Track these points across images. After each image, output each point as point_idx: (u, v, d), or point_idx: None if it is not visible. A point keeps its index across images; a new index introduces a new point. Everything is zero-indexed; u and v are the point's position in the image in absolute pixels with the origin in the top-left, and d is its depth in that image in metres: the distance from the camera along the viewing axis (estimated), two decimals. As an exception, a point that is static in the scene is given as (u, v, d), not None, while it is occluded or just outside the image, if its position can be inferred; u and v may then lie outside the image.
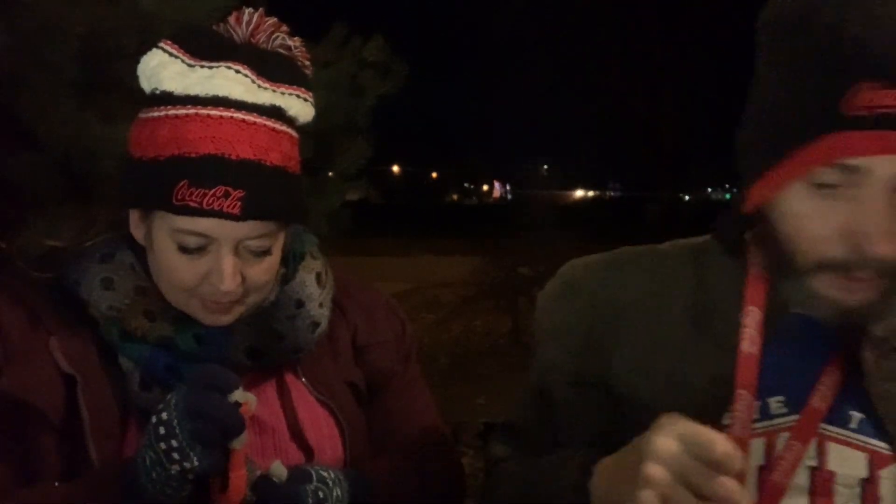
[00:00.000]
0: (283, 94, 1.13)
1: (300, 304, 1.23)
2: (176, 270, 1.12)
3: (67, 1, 2.23)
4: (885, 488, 0.99)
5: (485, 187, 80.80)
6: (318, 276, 1.26)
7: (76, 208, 1.28)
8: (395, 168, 69.25)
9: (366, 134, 3.39)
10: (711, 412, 1.02)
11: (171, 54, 1.11)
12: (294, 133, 1.16)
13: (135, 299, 1.15)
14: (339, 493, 1.13)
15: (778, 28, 0.98)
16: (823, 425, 1.01)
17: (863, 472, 1.00)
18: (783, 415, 1.02)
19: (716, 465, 0.82)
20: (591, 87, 22.36)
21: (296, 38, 1.18)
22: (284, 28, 1.17)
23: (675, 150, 22.30)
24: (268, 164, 1.10)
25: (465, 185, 79.26)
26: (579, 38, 20.05)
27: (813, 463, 1.01)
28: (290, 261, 1.25)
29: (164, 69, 1.11)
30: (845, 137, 0.90)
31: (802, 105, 0.94)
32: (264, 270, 1.15)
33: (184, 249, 1.10)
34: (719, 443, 0.82)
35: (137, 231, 1.16)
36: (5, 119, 2.19)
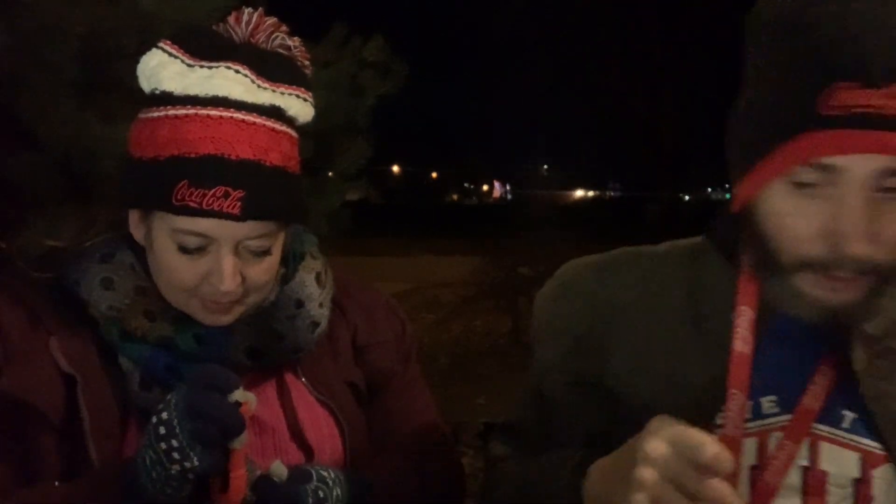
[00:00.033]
0: (282, 94, 1.13)
1: (300, 304, 1.23)
2: (176, 270, 1.12)
3: (67, 1, 2.23)
4: (877, 488, 1.00)
5: (485, 187, 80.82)
6: (318, 276, 1.26)
7: (76, 208, 1.27)
8: (395, 168, 69.28)
9: (366, 134, 3.40)
10: (707, 412, 1.02)
11: (170, 54, 1.11)
12: (294, 133, 1.16)
13: (135, 299, 1.15)
14: (339, 492, 1.13)
15: (763, 26, 0.99)
16: (816, 425, 1.01)
17: (855, 471, 1.00)
18: (775, 414, 1.03)
19: (705, 468, 0.82)
20: (591, 87, 22.37)
21: (295, 38, 1.18)
22: (284, 28, 1.17)
23: (675, 150, 22.31)
24: (267, 164, 1.10)
25: (465, 185, 79.28)
26: (579, 38, 20.06)
27: (805, 463, 1.01)
28: (290, 261, 1.25)
29: (163, 69, 1.11)
30: (821, 137, 0.91)
31: (783, 104, 0.94)
32: (264, 270, 1.15)
33: (184, 249, 1.10)
34: (709, 445, 0.82)
35: (137, 231, 1.16)
36: (5, 119, 2.19)
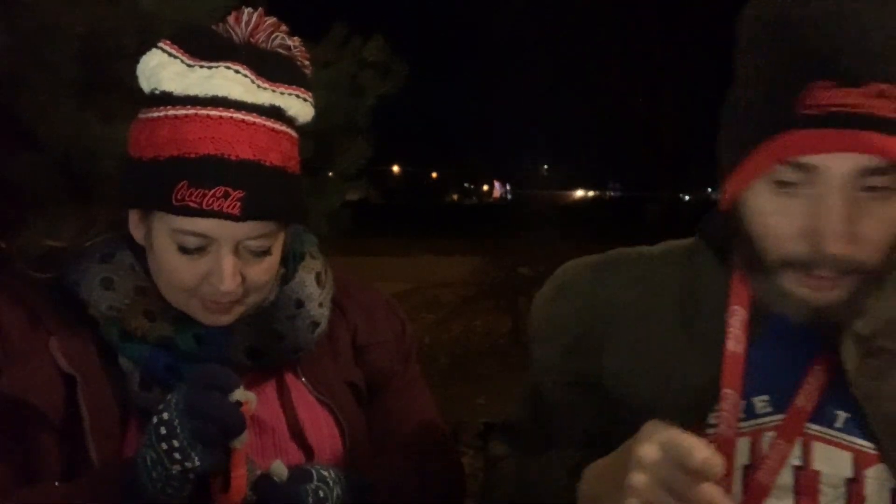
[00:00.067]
0: (282, 94, 1.13)
1: (300, 303, 1.23)
2: (176, 271, 1.12)
3: (67, 1, 2.23)
4: (870, 488, 0.99)
5: (485, 187, 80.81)
6: (318, 275, 1.26)
7: (76, 208, 1.28)
8: (395, 168, 69.27)
9: (366, 134, 3.40)
10: (701, 412, 1.03)
11: (170, 54, 1.11)
12: (294, 133, 1.16)
13: (135, 299, 1.15)
14: (339, 492, 1.13)
15: (748, 26, 0.99)
16: (809, 424, 1.01)
17: (848, 471, 1.00)
18: (768, 414, 1.03)
19: (696, 473, 0.82)
20: (591, 87, 22.35)
21: (295, 38, 1.18)
22: (284, 28, 1.17)
23: (675, 150, 22.29)
24: (267, 164, 1.10)
25: (465, 185, 79.26)
26: (579, 38, 20.05)
27: (798, 462, 1.01)
28: (290, 261, 1.25)
29: (163, 69, 1.11)
30: (799, 136, 0.91)
31: (765, 102, 0.95)
32: (264, 270, 1.15)
33: (184, 250, 1.10)
34: (698, 450, 0.83)
35: (137, 231, 1.16)
36: (5, 119, 2.19)
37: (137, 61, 1.14)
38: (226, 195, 1.07)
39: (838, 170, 0.91)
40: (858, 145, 0.89)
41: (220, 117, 1.08)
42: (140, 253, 1.17)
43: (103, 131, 2.20)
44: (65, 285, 1.16)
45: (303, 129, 1.19)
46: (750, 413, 1.03)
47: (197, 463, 1.01)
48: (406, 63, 3.46)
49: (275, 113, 1.12)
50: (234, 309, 1.16)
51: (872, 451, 1.00)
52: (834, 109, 0.89)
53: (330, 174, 3.31)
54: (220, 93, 1.09)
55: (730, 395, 1.01)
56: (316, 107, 1.19)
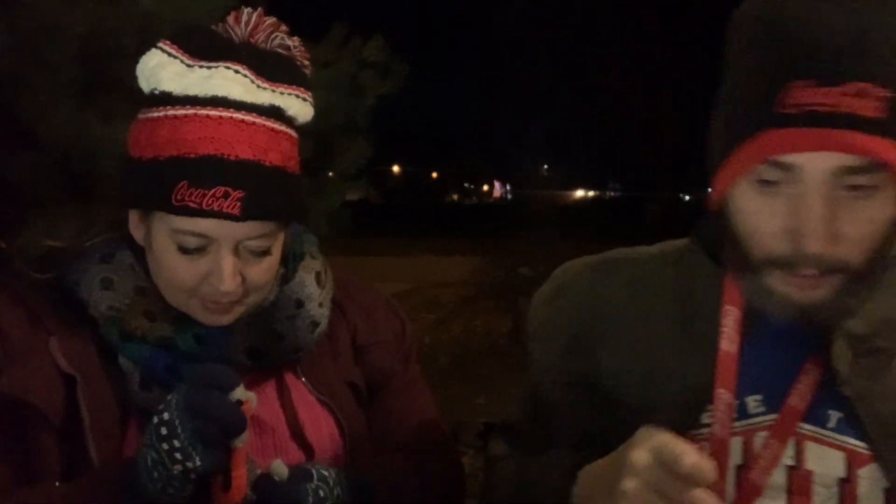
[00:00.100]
0: (282, 93, 1.13)
1: (300, 303, 1.23)
2: (176, 271, 1.12)
3: (67, 1, 2.23)
4: (862, 488, 0.99)
5: (485, 187, 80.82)
6: (318, 275, 1.26)
7: (76, 208, 1.27)
8: (395, 168, 69.28)
9: (366, 134, 3.40)
10: (696, 412, 1.03)
11: (169, 54, 1.11)
12: (293, 133, 1.16)
13: (135, 299, 1.15)
14: (339, 492, 1.13)
15: (734, 25, 1.00)
16: (801, 424, 1.01)
17: (841, 471, 1.00)
18: (761, 414, 1.03)
19: (686, 478, 0.83)
20: (591, 87, 22.38)
21: (294, 38, 1.18)
22: (283, 27, 1.17)
23: (675, 150, 22.30)
24: (267, 164, 1.10)
25: (465, 185, 79.27)
26: (579, 38, 20.06)
27: (791, 462, 1.01)
28: (290, 261, 1.25)
29: (162, 69, 1.11)
30: (778, 135, 0.91)
31: (747, 102, 0.95)
32: (264, 270, 1.15)
33: (183, 250, 1.10)
34: (687, 455, 0.83)
35: (137, 231, 1.16)
36: (5, 119, 2.19)
37: (137, 61, 1.14)
38: (225, 195, 1.07)
39: (817, 169, 0.92)
40: (836, 144, 0.90)
41: (220, 117, 1.08)
42: (140, 253, 1.17)
43: (103, 131, 2.20)
44: (65, 285, 1.16)
45: (303, 129, 1.19)
46: (743, 413, 1.03)
47: (198, 462, 1.00)
48: (406, 63, 3.46)
49: (274, 113, 1.12)
50: (234, 309, 1.16)
51: (865, 451, 1.00)
52: (812, 108, 0.89)
53: (330, 174, 3.31)
54: (220, 93, 1.09)
55: (723, 394, 1.01)
56: (316, 107, 1.19)
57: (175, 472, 1.01)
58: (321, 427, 1.24)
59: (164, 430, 1.01)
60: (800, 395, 1.01)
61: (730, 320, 1.03)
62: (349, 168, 3.34)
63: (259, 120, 1.10)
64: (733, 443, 1.02)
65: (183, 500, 1.04)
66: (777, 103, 0.91)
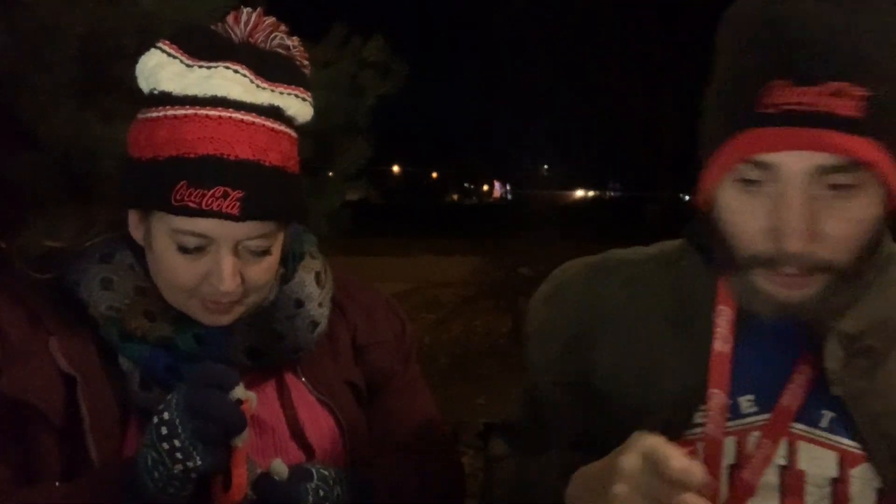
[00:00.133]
0: (281, 93, 1.13)
1: (300, 303, 1.23)
2: (175, 271, 1.12)
3: (67, 1, 2.22)
4: (855, 488, 0.99)
5: (485, 187, 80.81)
6: (318, 275, 1.26)
7: (76, 208, 1.27)
8: (395, 168, 69.27)
9: (366, 134, 3.40)
10: (690, 412, 1.03)
11: (169, 54, 1.11)
12: (293, 133, 1.16)
13: (135, 299, 1.15)
14: (339, 491, 1.13)
15: (720, 26, 1.01)
16: (794, 424, 1.01)
17: (833, 471, 1.00)
18: (754, 413, 1.03)
19: (675, 482, 0.83)
20: (591, 87, 22.36)
21: (294, 38, 1.18)
22: (283, 27, 1.17)
23: (675, 150, 22.28)
24: (267, 164, 1.10)
25: (465, 185, 79.26)
26: (579, 38, 20.06)
27: (783, 462, 1.01)
28: (290, 261, 1.25)
29: (162, 69, 1.11)
30: (757, 134, 0.92)
31: (729, 101, 0.96)
32: (264, 270, 1.15)
33: (183, 250, 1.10)
34: (676, 459, 0.83)
35: (137, 231, 1.16)
36: (5, 119, 2.19)
37: (137, 61, 1.14)
38: (225, 195, 1.07)
39: (796, 168, 0.92)
40: (815, 143, 0.90)
41: (220, 117, 1.08)
42: (140, 253, 1.17)
43: (103, 131, 2.20)
44: (65, 285, 1.16)
45: (303, 129, 1.19)
46: (735, 413, 1.03)
47: (199, 462, 1.01)
48: (406, 63, 3.46)
49: (274, 113, 1.12)
50: (234, 309, 1.16)
51: (858, 451, 1.00)
52: (791, 108, 0.90)
53: (330, 174, 3.31)
54: (220, 93, 1.09)
55: (716, 394, 1.02)
56: (316, 107, 1.19)
57: (175, 471, 1.01)
58: (321, 427, 1.24)
59: (164, 430, 1.01)
60: (792, 395, 1.01)
61: (723, 320, 1.04)
62: (349, 168, 3.34)
63: (259, 120, 1.10)
64: (727, 443, 1.02)
65: (183, 499, 1.04)
66: (757, 103, 0.91)
